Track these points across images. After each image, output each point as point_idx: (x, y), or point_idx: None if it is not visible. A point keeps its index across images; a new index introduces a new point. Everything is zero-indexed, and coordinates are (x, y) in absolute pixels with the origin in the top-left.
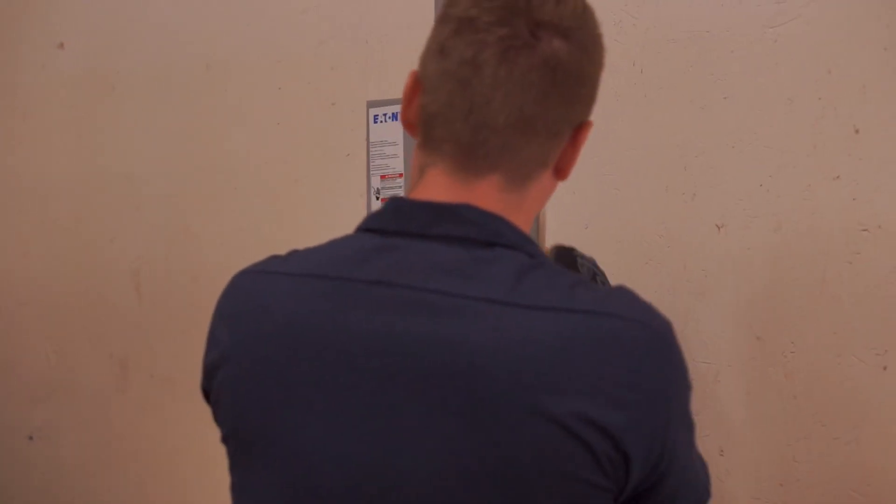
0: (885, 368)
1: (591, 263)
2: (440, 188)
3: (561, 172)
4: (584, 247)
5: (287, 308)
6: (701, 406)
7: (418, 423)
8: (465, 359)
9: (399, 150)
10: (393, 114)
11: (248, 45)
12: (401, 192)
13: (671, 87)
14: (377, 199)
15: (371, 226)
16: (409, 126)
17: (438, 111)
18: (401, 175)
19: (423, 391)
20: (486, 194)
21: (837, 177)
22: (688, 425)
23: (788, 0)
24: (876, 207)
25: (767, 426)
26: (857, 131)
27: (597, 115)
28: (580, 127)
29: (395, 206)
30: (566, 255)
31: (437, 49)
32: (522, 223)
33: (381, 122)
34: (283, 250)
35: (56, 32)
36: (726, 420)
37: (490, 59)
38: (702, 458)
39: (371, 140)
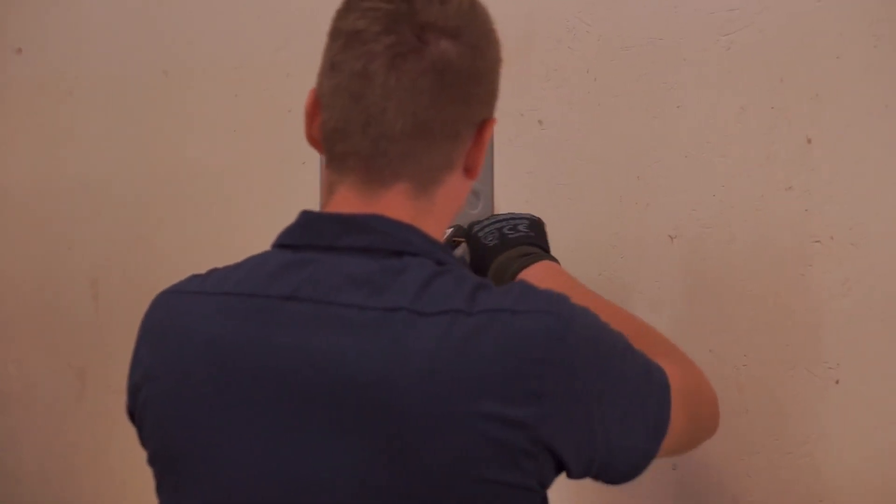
0: (837, 382)
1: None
2: (349, 202)
3: (470, 172)
4: None
5: (206, 328)
6: None
7: (334, 439)
8: (373, 372)
9: None
10: None
11: (206, 52)
12: None
13: (625, 96)
14: None
15: (283, 241)
16: (314, 144)
17: (337, 127)
18: None
19: (335, 406)
20: (394, 204)
21: (790, 187)
22: (623, 392)
23: (741, 8)
24: (828, 219)
25: (720, 440)
26: (809, 141)
27: (550, 122)
28: (482, 125)
29: (305, 220)
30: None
31: (328, 65)
32: (435, 228)
33: None
34: (240, 258)
35: (13, 38)
36: None
37: (379, 69)
38: (660, 394)
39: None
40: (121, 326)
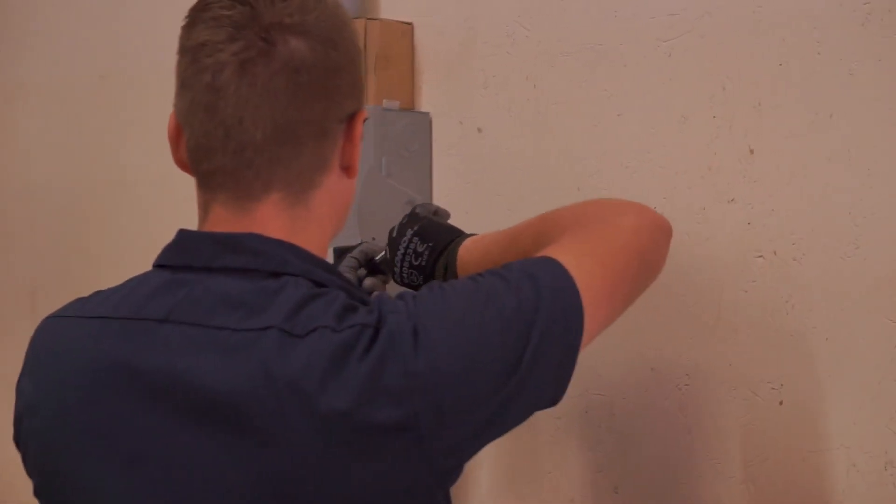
0: (780, 403)
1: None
2: (223, 220)
3: (349, 170)
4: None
5: (84, 353)
6: (595, 441)
7: (209, 463)
8: (243, 394)
9: None
10: None
11: (143, 56)
12: None
13: (565, 103)
14: None
15: (161, 261)
16: (183, 167)
17: (198, 145)
18: None
19: (210, 431)
20: (269, 216)
21: (732, 199)
22: (494, 354)
23: (682, 12)
24: (771, 232)
25: (662, 463)
26: (751, 151)
27: (490, 130)
28: (351, 119)
29: (182, 240)
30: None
31: (180, 84)
32: (319, 235)
33: None
34: None
35: None
36: (621, 456)
37: (230, 78)
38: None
39: None
40: None
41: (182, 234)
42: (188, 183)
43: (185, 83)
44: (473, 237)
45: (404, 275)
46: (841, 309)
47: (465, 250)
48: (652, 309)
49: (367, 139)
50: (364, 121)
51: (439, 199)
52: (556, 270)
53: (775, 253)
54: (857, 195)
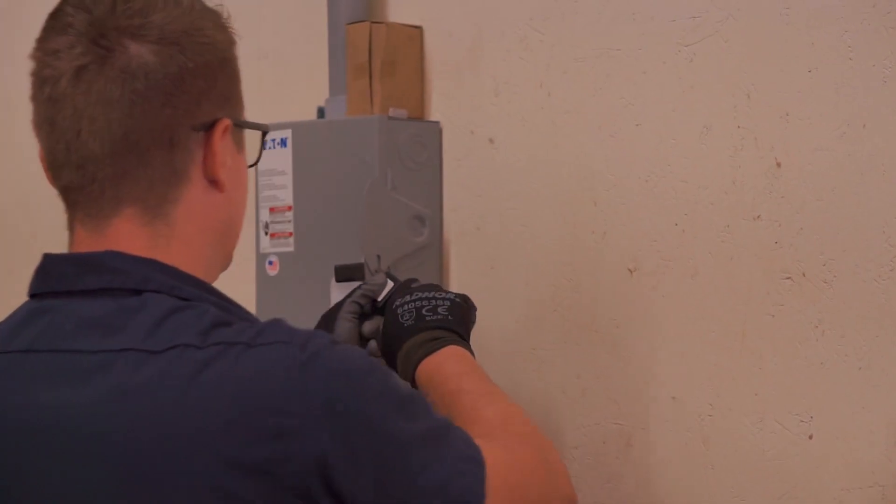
0: (810, 437)
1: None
2: (82, 240)
3: (217, 184)
4: (490, 292)
5: None
6: (612, 473)
7: (80, 497)
8: (98, 422)
9: (289, 180)
10: (283, 139)
11: None
12: (290, 227)
13: (580, 112)
14: (266, 233)
15: (30, 290)
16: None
17: (49, 161)
18: (290, 208)
19: (70, 463)
20: (125, 233)
21: (758, 216)
22: (390, 431)
23: (704, 15)
24: (800, 252)
25: (683, 499)
26: (778, 164)
27: (502, 140)
28: (211, 129)
29: (44, 265)
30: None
31: (31, 101)
32: (186, 252)
33: (270, 148)
34: None
35: None
36: (639, 489)
37: (65, 88)
38: (467, 455)
39: (259, 168)
40: None
41: (45, 258)
42: None
43: (33, 96)
44: (458, 351)
45: (402, 308)
46: (875, 335)
47: (441, 356)
48: (672, 332)
49: (372, 150)
50: (264, 134)
51: (448, 214)
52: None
53: (804, 274)
54: (892, 212)
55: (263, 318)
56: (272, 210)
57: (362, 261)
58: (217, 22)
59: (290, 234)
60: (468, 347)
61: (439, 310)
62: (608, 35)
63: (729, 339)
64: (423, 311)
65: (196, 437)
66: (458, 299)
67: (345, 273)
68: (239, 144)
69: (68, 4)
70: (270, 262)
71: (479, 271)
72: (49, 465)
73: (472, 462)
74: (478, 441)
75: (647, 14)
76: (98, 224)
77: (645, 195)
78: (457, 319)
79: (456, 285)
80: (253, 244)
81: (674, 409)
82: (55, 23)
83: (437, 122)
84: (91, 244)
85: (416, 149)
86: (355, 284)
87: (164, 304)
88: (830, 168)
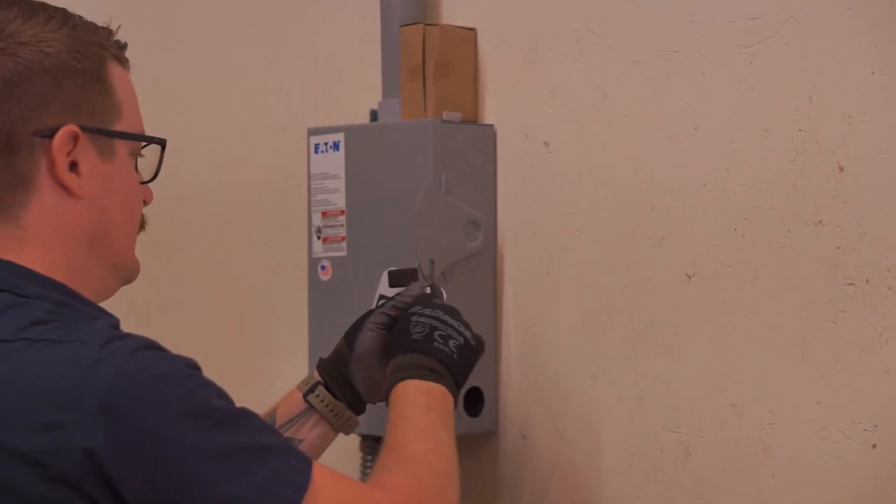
0: (874, 447)
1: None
2: None
3: (67, 190)
4: (545, 298)
5: None
6: (669, 482)
7: None
8: None
9: (341, 183)
10: (335, 142)
11: (198, 66)
12: (343, 231)
13: (637, 115)
14: (318, 237)
15: None
16: None
17: None
18: (343, 212)
19: None
20: None
21: (819, 221)
22: (176, 438)
23: (764, 16)
24: (862, 258)
25: None
26: (841, 168)
27: (557, 144)
28: (53, 136)
29: None
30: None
31: None
32: (44, 256)
33: (323, 151)
34: (233, 284)
35: None
36: (696, 499)
37: None
38: (284, 477)
39: (312, 172)
40: None
41: None
42: (236, 199)
43: None
44: (427, 387)
45: (420, 318)
46: None
47: (412, 385)
48: (732, 339)
49: (426, 153)
50: (163, 148)
51: (503, 219)
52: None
53: (867, 281)
54: None
55: (317, 325)
56: (324, 214)
57: (416, 266)
58: (79, 35)
59: (343, 238)
60: (454, 393)
61: (450, 342)
62: (667, 37)
63: (790, 346)
64: (435, 335)
65: None
66: (472, 341)
67: (399, 278)
68: (105, 152)
69: None
70: (323, 267)
71: (534, 276)
72: None
73: (288, 484)
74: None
75: (707, 15)
76: None
77: (703, 199)
78: (460, 363)
79: (510, 290)
80: (305, 248)
81: (733, 416)
82: None
83: (491, 126)
84: None
85: (470, 152)
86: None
87: (2, 303)
88: (894, 172)
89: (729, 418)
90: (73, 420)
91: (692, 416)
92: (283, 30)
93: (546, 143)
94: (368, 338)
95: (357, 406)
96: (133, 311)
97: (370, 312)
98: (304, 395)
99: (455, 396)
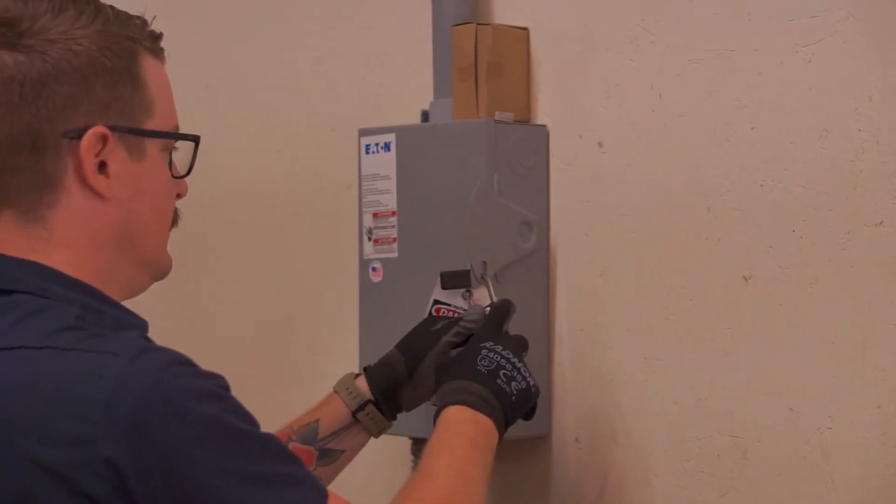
0: None
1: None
2: None
3: (94, 191)
4: (599, 299)
5: None
6: (726, 488)
7: None
8: None
9: (392, 185)
10: (385, 143)
11: (247, 66)
12: (394, 233)
13: (692, 115)
14: (369, 239)
15: None
16: None
17: None
18: (394, 213)
19: None
20: (3, 237)
21: (880, 223)
22: (199, 459)
23: (823, 14)
24: None
25: None
26: None
27: (611, 145)
28: (80, 135)
29: None
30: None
31: None
32: (70, 259)
33: (374, 152)
34: (282, 286)
35: None
36: None
37: None
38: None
39: (363, 173)
40: None
41: None
42: (285, 200)
43: None
44: (469, 415)
45: (489, 351)
46: None
47: (457, 416)
48: (790, 342)
49: (478, 154)
50: (197, 144)
51: (556, 220)
52: None
53: None
54: None
55: (368, 328)
56: (375, 215)
57: (468, 267)
58: (111, 30)
59: (394, 239)
60: (502, 432)
61: (512, 384)
62: (723, 36)
63: (849, 350)
64: (500, 373)
65: (8, 432)
66: (532, 389)
67: (451, 280)
68: (135, 151)
69: None
70: (374, 269)
71: (587, 278)
72: None
73: None
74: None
75: (764, 14)
76: None
77: (761, 201)
78: (516, 406)
79: (563, 292)
80: (355, 250)
81: (792, 421)
82: None
83: (543, 126)
84: None
85: (523, 153)
86: (453, 292)
87: (29, 305)
88: None
89: (787, 422)
90: (100, 434)
91: (749, 420)
92: (334, 30)
93: (600, 144)
94: (436, 362)
95: (396, 414)
96: (182, 313)
97: (426, 322)
98: (354, 413)
99: (501, 435)
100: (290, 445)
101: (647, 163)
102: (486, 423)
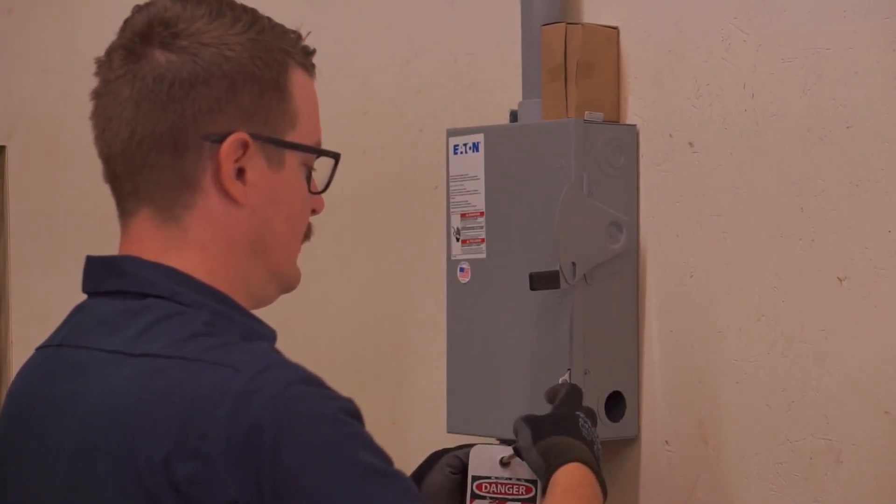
0: None
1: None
2: (121, 238)
3: (229, 196)
4: (689, 301)
5: (17, 383)
6: (819, 492)
7: (79, 487)
8: (92, 417)
9: (481, 185)
10: (474, 143)
11: (333, 64)
12: (482, 233)
13: (786, 115)
14: (457, 239)
15: (82, 288)
16: None
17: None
18: (482, 214)
19: (76, 454)
20: (141, 234)
21: None
22: (315, 484)
23: None
24: None
25: None
26: None
27: (702, 145)
28: (222, 141)
29: (85, 266)
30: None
31: None
32: (202, 260)
33: (462, 153)
34: (368, 288)
35: None
36: None
37: (115, 80)
38: None
39: (451, 173)
40: None
41: (87, 260)
42: (373, 201)
43: (94, 92)
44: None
45: (586, 426)
46: None
47: (581, 473)
48: (886, 344)
49: (568, 154)
50: (336, 161)
51: (646, 221)
52: None
53: None
54: None
55: (455, 328)
56: (464, 216)
57: (557, 268)
58: (264, 40)
59: (483, 240)
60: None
61: (599, 454)
62: (818, 34)
63: None
64: (596, 445)
65: (130, 443)
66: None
67: (540, 281)
68: (274, 161)
69: (135, 11)
70: (462, 269)
71: (678, 279)
72: (63, 455)
73: None
74: None
75: (860, 12)
76: (125, 222)
77: (856, 201)
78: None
79: (653, 293)
80: (443, 250)
81: (888, 424)
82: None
83: (634, 126)
84: (121, 246)
85: (613, 153)
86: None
87: (161, 310)
88: None
89: (883, 425)
90: (216, 453)
91: (843, 423)
92: (422, 30)
93: (690, 144)
94: (439, 481)
95: None
96: (271, 316)
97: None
98: None
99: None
100: None
101: (739, 163)
102: (597, 486)
